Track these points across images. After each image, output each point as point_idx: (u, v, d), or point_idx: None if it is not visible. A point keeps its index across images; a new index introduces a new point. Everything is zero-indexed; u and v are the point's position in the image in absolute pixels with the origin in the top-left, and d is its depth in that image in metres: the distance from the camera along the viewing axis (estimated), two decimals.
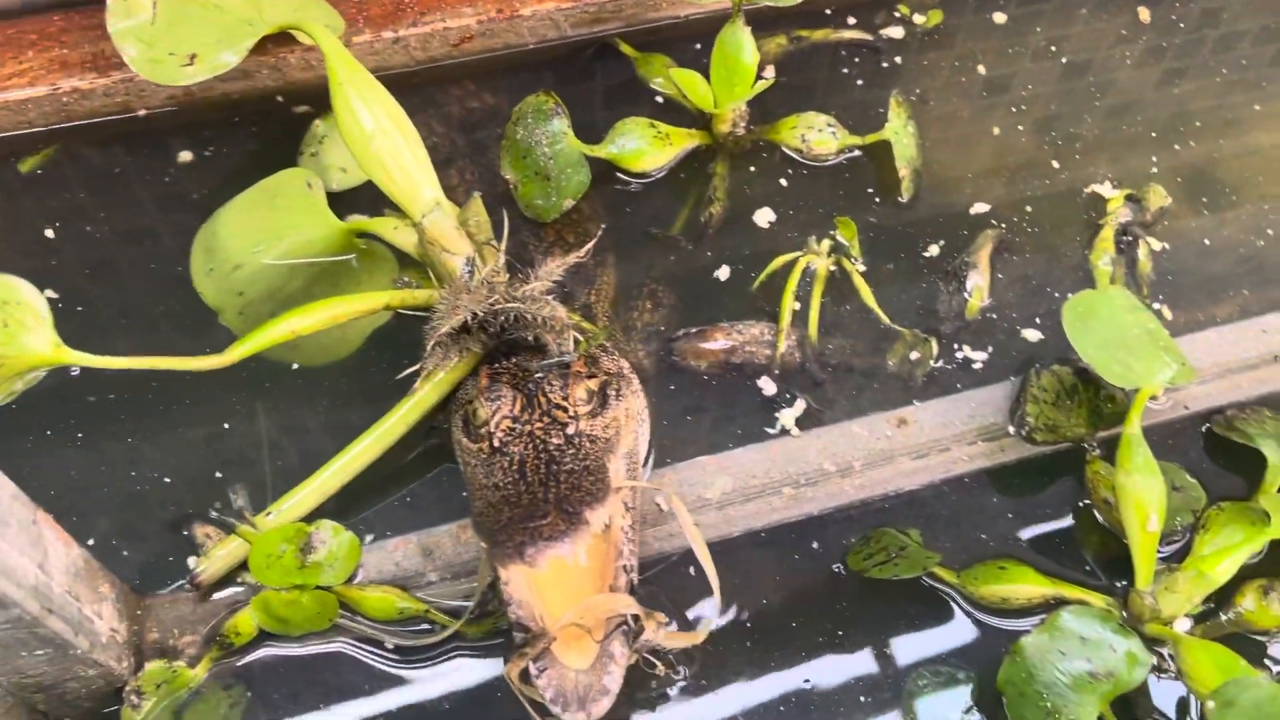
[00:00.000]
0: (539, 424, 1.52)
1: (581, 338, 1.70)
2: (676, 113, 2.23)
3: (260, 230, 1.91)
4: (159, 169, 2.11)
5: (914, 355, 1.95)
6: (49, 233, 2.02)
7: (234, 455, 1.81)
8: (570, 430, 1.52)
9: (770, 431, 1.86)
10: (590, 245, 1.81)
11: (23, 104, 2.03)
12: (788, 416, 1.87)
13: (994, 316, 2.02)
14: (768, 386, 1.91)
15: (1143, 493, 1.71)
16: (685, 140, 2.16)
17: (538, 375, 1.60)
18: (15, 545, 1.29)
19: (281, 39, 2.10)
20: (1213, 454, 1.89)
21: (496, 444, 1.52)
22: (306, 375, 1.89)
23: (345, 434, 1.72)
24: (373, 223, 1.96)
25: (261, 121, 2.18)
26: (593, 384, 1.59)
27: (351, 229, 1.96)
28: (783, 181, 2.17)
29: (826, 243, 2.03)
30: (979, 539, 1.79)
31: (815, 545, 1.77)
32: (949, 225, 2.13)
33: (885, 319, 1.99)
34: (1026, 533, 1.81)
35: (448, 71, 2.25)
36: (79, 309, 1.94)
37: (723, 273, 2.05)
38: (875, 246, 2.10)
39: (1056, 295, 2.05)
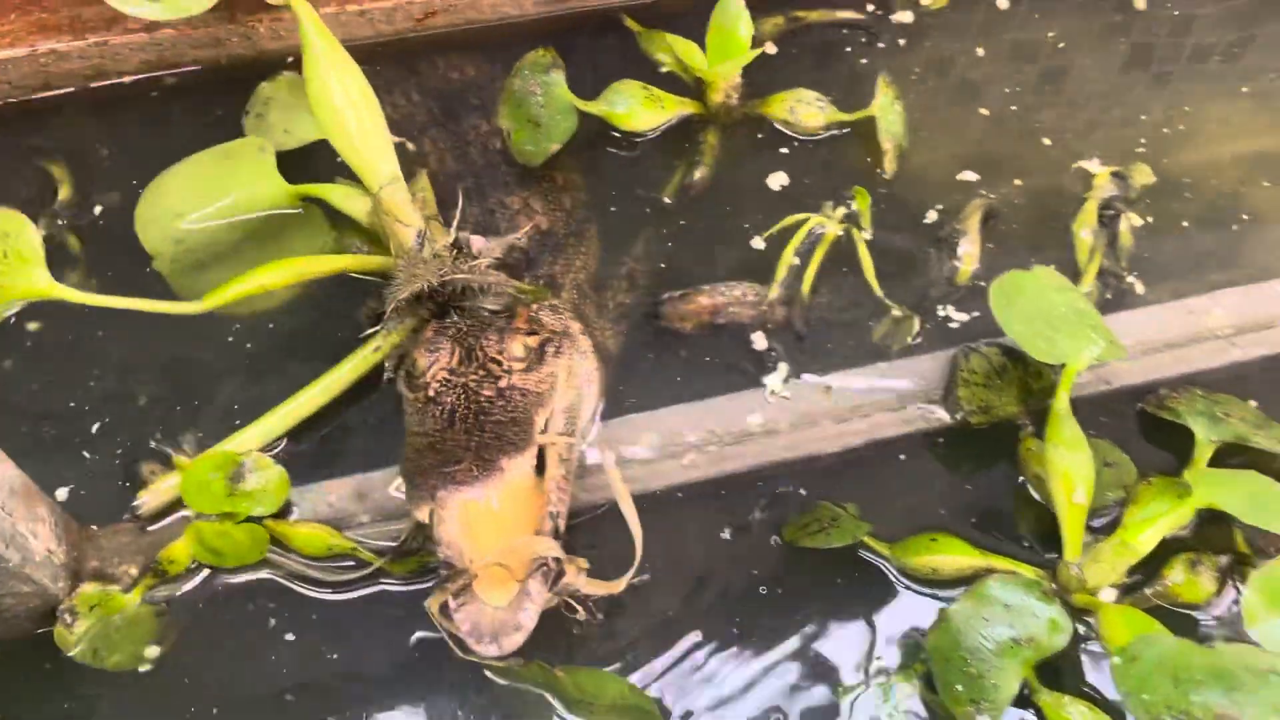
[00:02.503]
0: (474, 376, 1.59)
1: (522, 297, 1.76)
2: (674, 85, 2.30)
3: (208, 185, 2.00)
4: (126, 131, 2.20)
5: (895, 330, 2.00)
6: None
7: (183, 397, 1.87)
8: (502, 383, 1.59)
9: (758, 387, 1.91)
10: (527, 228, 1.92)
11: (2, 64, 2.12)
12: (774, 381, 1.91)
13: (983, 284, 2.05)
14: (759, 341, 1.97)
15: (1070, 466, 1.73)
16: (677, 106, 2.23)
17: (474, 329, 1.66)
18: None
19: (253, 6, 2.18)
20: (1145, 432, 1.91)
21: (431, 394, 1.58)
22: (243, 326, 1.97)
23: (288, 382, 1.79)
24: (323, 188, 2.03)
25: (226, 89, 2.25)
26: (531, 340, 1.65)
27: (298, 192, 2.04)
28: (769, 152, 2.23)
29: (840, 210, 2.09)
30: (914, 513, 1.81)
31: (743, 507, 1.81)
32: (938, 195, 2.18)
33: (878, 290, 2.03)
34: (961, 507, 1.83)
35: (429, 44, 2.32)
36: None
37: (707, 234, 2.12)
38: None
39: (1040, 264, 2.06)
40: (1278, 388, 1.94)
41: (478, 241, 1.81)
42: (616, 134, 2.21)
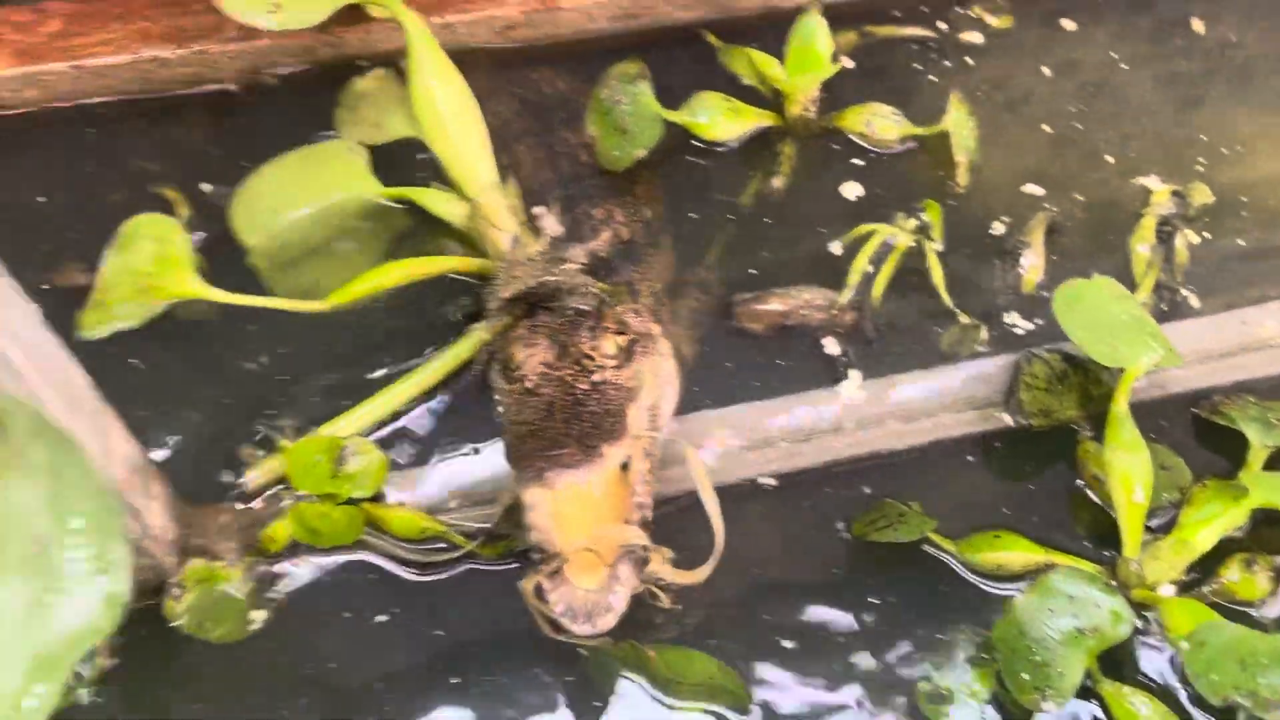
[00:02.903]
0: (569, 371, 1.69)
1: (608, 299, 1.86)
2: (751, 98, 2.37)
3: (303, 184, 2.10)
4: (221, 132, 2.31)
5: (963, 337, 2.09)
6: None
7: (285, 388, 1.97)
8: (596, 378, 1.69)
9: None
10: (608, 237, 2.03)
11: (107, 69, 2.23)
12: (849, 387, 1.99)
13: (1046, 294, 2.14)
14: (830, 346, 2.06)
15: (1129, 466, 1.81)
16: (756, 118, 2.33)
17: (566, 326, 1.76)
18: (84, 425, 1.44)
19: (346, 18, 2.28)
20: (1199, 437, 1.99)
21: (529, 385, 1.68)
22: (334, 323, 2.04)
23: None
24: (418, 192, 2.13)
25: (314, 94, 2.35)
26: (621, 340, 1.76)
27: (391, 194, 2.13)
28: (844, 163, 2.33)
29: (912, 221, 2.18)
30: (974, 510, 1.88)
31: (811, 502, 1.89)
32: (1004, 208, 2.27)
33: (948, 299, 2.11)
34: (1021, 506, 1.90)
35: (510, 57, 2.42)
36: None
37: (782, 240, 2.21)
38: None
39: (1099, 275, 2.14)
40: None
41: (574, 250, 1.94)
42: (698, 143, 2.31)
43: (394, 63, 2.30)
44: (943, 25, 2.60)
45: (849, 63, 2.46)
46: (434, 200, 2.10)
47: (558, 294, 1.82)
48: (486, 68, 2.32)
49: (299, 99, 2.33)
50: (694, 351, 2.06)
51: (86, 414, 1.44)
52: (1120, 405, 1.84)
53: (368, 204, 2.14)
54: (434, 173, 2.17)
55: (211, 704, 1.68)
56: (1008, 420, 1.97)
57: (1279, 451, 1.91)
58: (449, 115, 1.92)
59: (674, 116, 2.23)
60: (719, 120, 2.27)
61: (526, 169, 2.20)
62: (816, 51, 2.25)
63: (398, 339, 2.01)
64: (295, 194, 2.09)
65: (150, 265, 1.72)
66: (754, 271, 2.15)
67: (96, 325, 1.76)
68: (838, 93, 2.38)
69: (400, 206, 2.17)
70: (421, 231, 2.16)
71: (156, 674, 1.68)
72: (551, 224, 1.97)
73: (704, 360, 2.04)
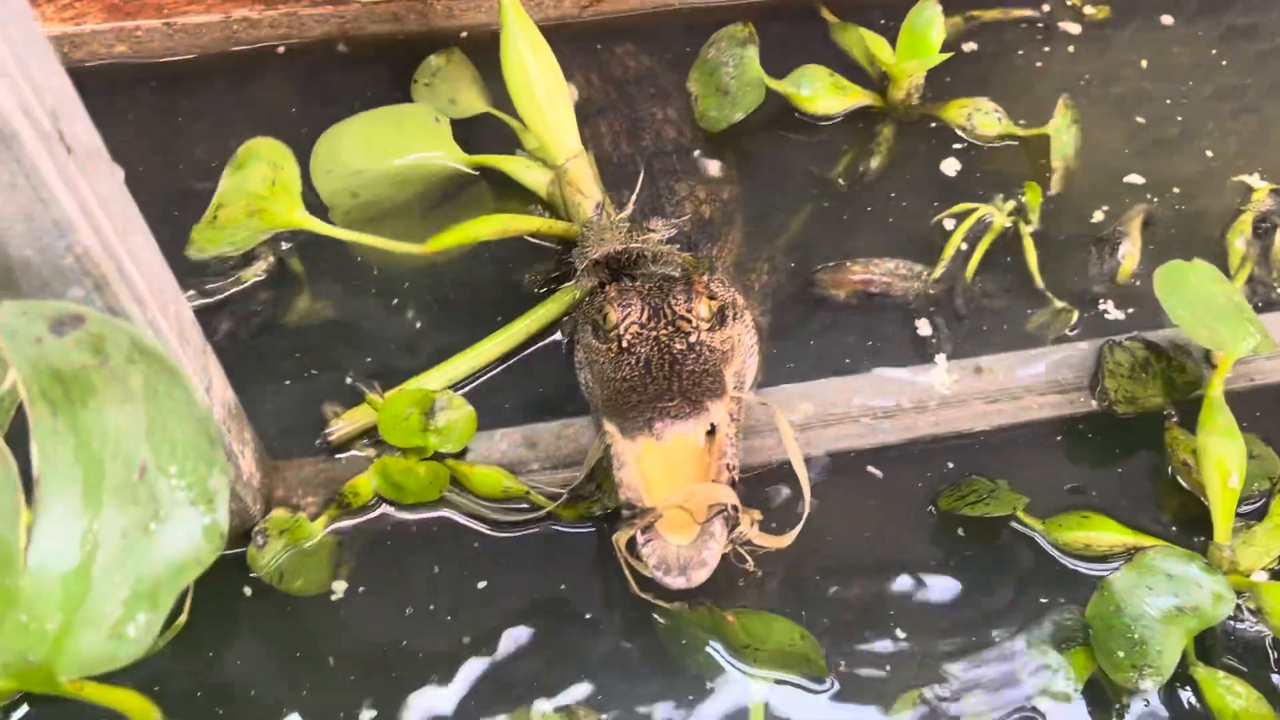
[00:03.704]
0: (664, 331, 1.71)
1: (689, 269, 1.87)
2: (855, 77, 2.38)
3: (384, 144, 2.12)
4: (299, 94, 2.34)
5: (1052, 321, 2.07)
6: None
7: (363, 341, 1.98)
8: (692, 339, 1.71)
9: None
10: (689, 214, 2.05)
11: (198, 28, 2.25)
12: (938, 373, 1.97)
13: (1139, 284, 2.13)
14: (923, 327, 2.05)
15: (1224, 452, 1.77)
16: (859, 96, 2.33)
17: (656, 290, 1.77)
18: (190, 362, 1.44)
19: None
20: None
21: (624, 345, 1.70)
22: (413, 282, 2.08)
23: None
24: (502, 159, 2.14)
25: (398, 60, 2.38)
26: (713, 304, 1.77)
27: (474, 161, 2.15)
28: (941, 151, 2.32)
29: (1010, 203, 2.17)
30: (1058, 491, 1.86)
31: (895, 477, 1.87)
32: (1104, 197, 2.26)
33: (1040, 281, 2.10)
34: (1106, 488, 1.88)
35: (592, 30, 2.44)
36: None
37: (871, 217, 2.21)
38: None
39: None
40: None
41: (655, 221, 1.97)
42: (797, 115, 2.32)
43: (474, 39, 2.33)
44: (1045, 7, 2.59)
45: (961, 48, 2.45)
46: (517, 167, 2.12)
47: (642, 260, 1.84)
48: (568, 41, 2.33)
49: (380, 66, 2.36)
50: (767, 323, 2.05)
51: (193, 350, 1.44)
52: (1216, 390, 1.81)
53: (445, 170, 2.16)
54: (507, 149, 2.20)
55: (283, 656, 1.67)
56: (1092, 405, 1.95)
57: None
58: (539, 82, 1.93)
59: (777, 85, 2.24)
60: (822, 94, 2.27)
61: (608, 142, 2.21)
62: (928, 40, 2.24)
63: (481, 297, 2.03)
64: (375, 153, 2.11)
65: (263, 188, 1.72)
66: (841, 244, 2.15)
67: (207, 244, 1.76)
68: (939, 75, 2.37)
69: (474, 174, 2.19)
70: (494, 200, 2.17)
71: (236, 622, 1.68)
72: (653, 220, 2.02)
73: (789, 332, 2.03)
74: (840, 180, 2.26)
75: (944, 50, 2.24)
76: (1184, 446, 1.88)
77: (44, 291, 1.15)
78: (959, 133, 2.33)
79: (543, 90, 1.95)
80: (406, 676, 1.65)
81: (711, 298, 1.77)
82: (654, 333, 1.70)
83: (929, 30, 2.25)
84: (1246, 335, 1.86)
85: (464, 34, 2.37)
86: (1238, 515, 1.80)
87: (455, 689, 1.64)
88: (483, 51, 2.33)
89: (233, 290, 2.00)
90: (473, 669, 1.66)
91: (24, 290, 1.14)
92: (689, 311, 1.72)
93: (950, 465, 1.89)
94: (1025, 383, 1.95)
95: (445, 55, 2.32)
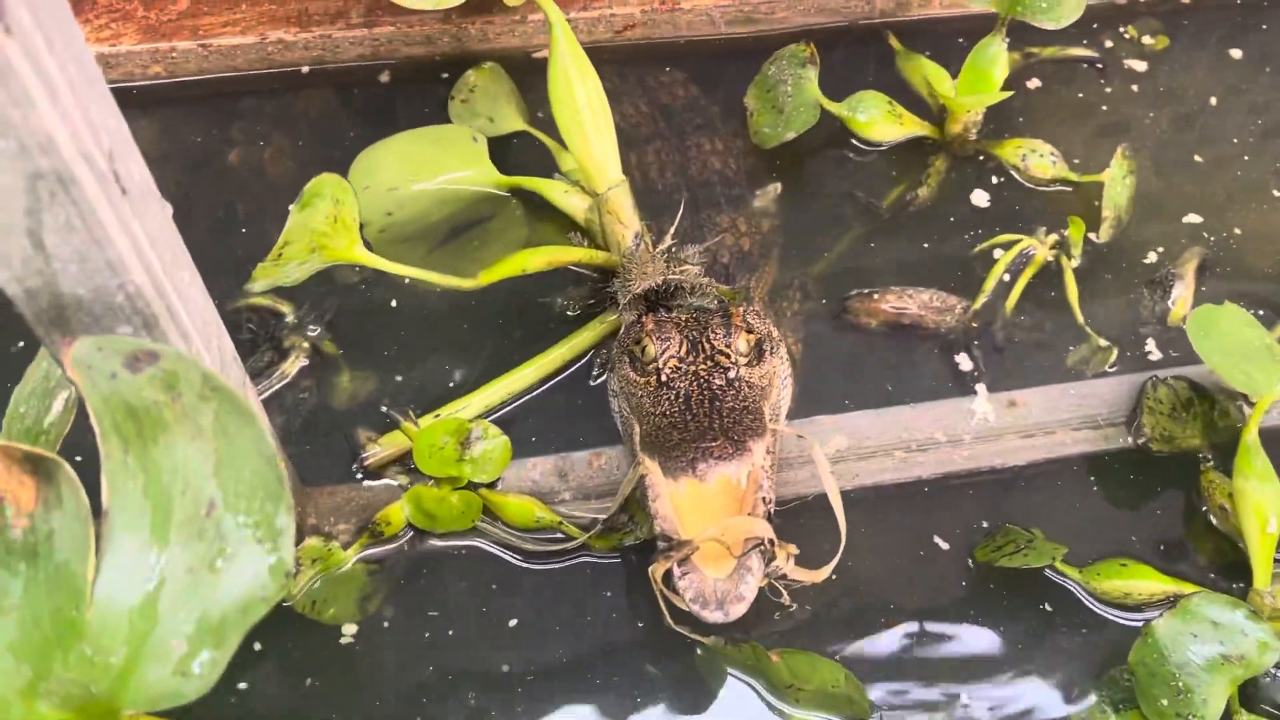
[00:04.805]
0: (703, 366, 1.70)
1: (726, 301, 1.87)
2: (912, 106, 2.37)
3: (421, 163, 2.12)
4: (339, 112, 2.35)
5: (1091, 357, 2.05)
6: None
7: (397, 369, 1.98)
8: (731, 374, 1.70)
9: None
10: (730, 245, 2.06)
11: (233, 49, 2.26)
12: (979, 403, 1.96)
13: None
14: (960, 359, 2.04)
15: (1262, 497, 1.76)
16: (915, 127, 2.32)
17: (694, 322, 1.77)
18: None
19: (475, 7, 2.32)
20: None
21: (664, 379, 1.69)
22: (448, 308, 2.08)
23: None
24: (540, 182, 2.14)
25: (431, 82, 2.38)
26: (751, 338, 1.76)
27: (510, 183, 2.14)
28: (991, 188, 2.30)
29: (1053, 236, 2.16)
30: (1093, 534, 1.84)
31: (927, 514, 1.86)
32: (1161, 237, 2.23)
33: (1080, 317, 2.08)
34: (1142, 532, 1.86)
35: (626, 55, 2.43)
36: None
37: (915, 247, 2.20)
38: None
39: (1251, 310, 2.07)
40: None
41: (692, 251, 1.97)
42: (852, 139, 2.31)
43: (507, 62, 2.33)
44: (1108, 44, 2.56)
45: (1026, 84, 2.44)
46: (555, 191, 2.11)
47: (680, 291, 1.83)
48: (606, 67, 2.33)
49: (416, 88, 2.36)
50: (799, 353, 2.04)
51: (233, 383, 1.43)
52: (1252, 434, 1.79)
53: (479, 192, 2.16)
54: (544, 169, 2.19)
55: (313, 689, 1.66)
56: (1127, 443, 1.93)
57: None
58: (585, 109, 1.92)
59: (834, 107, 2.23)
60: (878, 121, 2.26)
61: (653, 172, 2.21)
62: (991, 76, 2.22)
63: (513, 325, 2.02)
64: (411, 173, 2.10)
65: (325, 225, 1.73)
66: (877, 272, 2.14)
67: (265, 278, 1.76)
68: (997, 111, 2.35)
69: (515, 199, 2.18)
70: (526, 222, 2.17)
71: (266, 649, 1.67)
72: (691, 250, 2.02)
73: (822, 362, 2.03)
74: (883, 207, 2.25)
75: (1005, 88, 2.22)
76: (1220, 490, 1.86)
77: (95, 328, 1.15)
78: (1011, 172, 2.31)
79: (589, 117, 1.94)
80: (437, 707, 1.64)
81: (749, 331, 1.76)
82: (693, 367, 1.69)
83: (992, 67, 2.22)
84: None
85: (498, 59, 2.36)
86: (1277, 560, 1.78)
87: None
88: (515, 75, 2.33)
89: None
90: (502, 701, 1.65)
91: (74, 327, 1.14)
92: (728, 346, 1.71)
93: (984, 504, 1.87)
94: (1060, 416, 1.93)
95: (481, 71, 2.32)
